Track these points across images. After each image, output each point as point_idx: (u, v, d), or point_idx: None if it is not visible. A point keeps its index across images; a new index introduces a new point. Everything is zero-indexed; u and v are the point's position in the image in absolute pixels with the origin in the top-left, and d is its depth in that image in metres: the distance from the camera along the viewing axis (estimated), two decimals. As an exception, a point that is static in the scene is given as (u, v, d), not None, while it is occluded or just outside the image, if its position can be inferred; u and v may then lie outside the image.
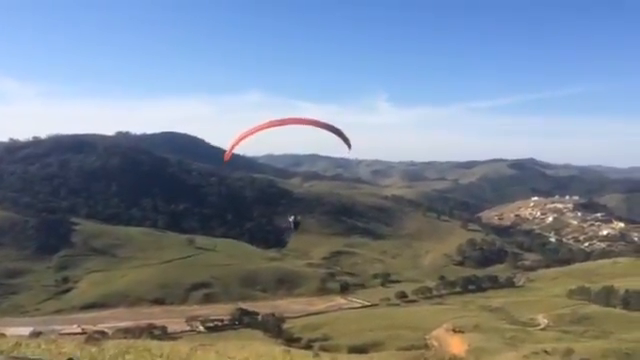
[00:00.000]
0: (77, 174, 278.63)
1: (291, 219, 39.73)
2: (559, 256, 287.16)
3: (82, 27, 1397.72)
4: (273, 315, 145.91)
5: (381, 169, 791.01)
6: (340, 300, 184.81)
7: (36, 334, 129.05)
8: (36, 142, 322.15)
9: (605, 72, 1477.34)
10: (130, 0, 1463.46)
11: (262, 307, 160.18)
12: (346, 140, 29.42)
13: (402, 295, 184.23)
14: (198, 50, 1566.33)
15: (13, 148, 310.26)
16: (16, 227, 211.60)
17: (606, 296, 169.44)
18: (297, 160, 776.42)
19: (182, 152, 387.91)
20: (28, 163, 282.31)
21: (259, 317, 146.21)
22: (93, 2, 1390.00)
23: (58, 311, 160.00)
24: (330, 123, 28.45)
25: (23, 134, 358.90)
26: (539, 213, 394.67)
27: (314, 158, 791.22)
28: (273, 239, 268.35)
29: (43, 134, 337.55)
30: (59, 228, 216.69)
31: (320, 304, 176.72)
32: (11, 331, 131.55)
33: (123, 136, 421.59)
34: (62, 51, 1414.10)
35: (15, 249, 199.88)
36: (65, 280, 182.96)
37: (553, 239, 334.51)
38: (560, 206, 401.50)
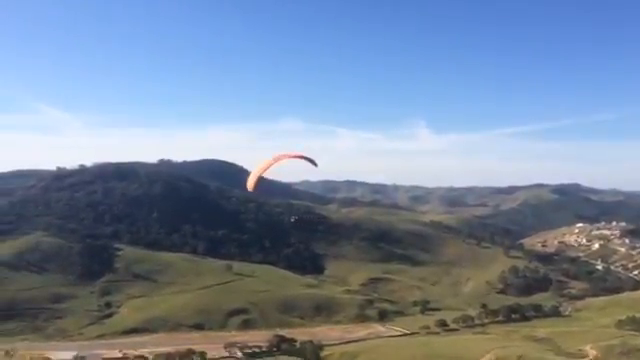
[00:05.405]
0: (120, 201, 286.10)
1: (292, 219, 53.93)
2: (607, 284, 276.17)
3: (125, 60, 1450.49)
4: (311, 342, 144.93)
5: (419, 195, 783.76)
6: (379, 328, 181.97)
7: (79, 358, 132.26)
8: (82, 170, 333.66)
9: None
10: (171, 34, 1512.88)
11: (300, 334, 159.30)
12: (311, 160, 40.98)
13: (442, 323, 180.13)
14: (238, 79, 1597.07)
15: (60, 176, 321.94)
16: (62, 253, 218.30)
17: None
18: (334, 186, 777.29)
19: (221, 179, 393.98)
20: (74, 190, 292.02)
21: (297, 344, 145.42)
22: (135, 35, 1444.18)
23: (101, 336, 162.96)
24: (295, 153, 41.20)
25: (70, 163, 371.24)
26: (585, 240, 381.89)
27: (351, 184, 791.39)
28: (311, 265, 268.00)
29: (88, 162, 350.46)
30: (103, 254, 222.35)
31: (358, 331, 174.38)
32: (56, 355, 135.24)
33: (165, 164, 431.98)
34: (107, 83, 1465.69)
35: (60, 274, 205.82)
36: (108, 305, 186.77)
37: (600, 267, 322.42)
38: (607, 232, 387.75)
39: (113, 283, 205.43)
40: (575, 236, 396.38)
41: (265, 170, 41.05)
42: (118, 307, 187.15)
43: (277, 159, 39.78)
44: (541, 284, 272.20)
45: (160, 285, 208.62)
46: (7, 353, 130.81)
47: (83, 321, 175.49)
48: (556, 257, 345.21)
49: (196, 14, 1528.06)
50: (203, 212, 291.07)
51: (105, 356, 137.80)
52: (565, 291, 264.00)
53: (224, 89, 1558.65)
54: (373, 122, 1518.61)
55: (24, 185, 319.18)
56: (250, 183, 41.29)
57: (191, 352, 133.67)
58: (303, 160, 41.28)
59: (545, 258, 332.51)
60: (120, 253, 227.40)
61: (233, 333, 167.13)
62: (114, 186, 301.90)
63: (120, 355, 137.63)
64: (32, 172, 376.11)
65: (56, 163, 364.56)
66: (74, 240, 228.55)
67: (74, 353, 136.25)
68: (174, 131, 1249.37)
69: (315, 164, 41.34)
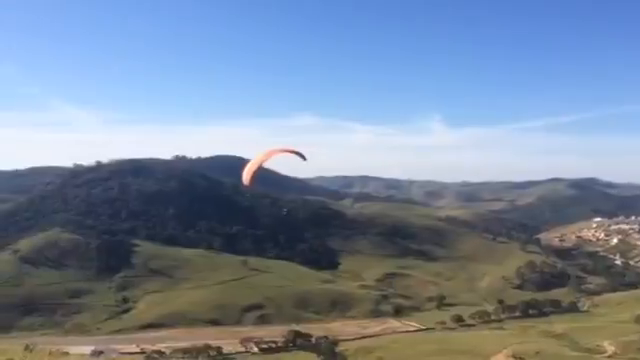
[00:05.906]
0: (136, 197, 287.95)
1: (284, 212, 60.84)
2: (625, 280, 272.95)
3: (139, 57, 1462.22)
4: (326, 337, 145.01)
5: (434, 190, 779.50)
6: (394, 323, 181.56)
7: (97, 353, 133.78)
8: (98, 167, 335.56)
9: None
10: (185, 31, 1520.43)
11: (315, 329, 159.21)
12: (301, 155, 41.73)
13: (459, 319, 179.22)
14: (252, 75, 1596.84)
15: (77, 173, 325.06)
16: (79, 249, 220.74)
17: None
18: (348, 181, 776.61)
19: (236, 175, 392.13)
20: (91, 187, 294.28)
21: (312, 339, 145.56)
22: (149, 33, 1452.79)
23: (118, 331, 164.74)
24: (286, 147, 42.45)
25: (86, 159, 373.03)
26: (603, 234, 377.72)
27: (365, 179, 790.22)
28: (326, 261, 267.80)
29: (105, 159, 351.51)
30: (120, 250, 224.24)
31: (374, 327, 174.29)
32: (74, 350, 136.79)
33: (180, 160, 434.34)
34: (121, 80, 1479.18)
35: (78, 270, 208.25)
36: (125, 300, 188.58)
37: (619, 262, 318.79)
38: (625, 227, 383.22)
39: (130, 278, 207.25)
40: (593, 231, 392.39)
41: (259, 165, 42.16)
42: (135, 302, 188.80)
43: (269, 154, 41.12)
44: (558, 279, 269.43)
45: (176, 280, 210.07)
46: (27, 347, 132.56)
47: (101, 316, 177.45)
48: (574, 252, 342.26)
49: (209, 11, 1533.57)
50: (218, 208, 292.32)
51: (123, 351, 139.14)
52: (583, 286, 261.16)
53: (239, 85, 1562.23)
54: (387, 117, 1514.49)
55: (41, 182, 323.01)
56: (246, 178, 42.27)
57: (208, 347, 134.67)
58: (294, 155, 42.76)
59: (562, 253, 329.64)
60: (137, 249, 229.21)
61: (249, 328, 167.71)
62: (130, 182, 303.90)
63: (138, 350, 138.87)
64: (49, 169, 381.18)
65: (72, 160, 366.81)
66: (92, 236, 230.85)
67: (92, 348, 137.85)
68: (188, 127, 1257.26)
69: (304, 158, 41.66)
